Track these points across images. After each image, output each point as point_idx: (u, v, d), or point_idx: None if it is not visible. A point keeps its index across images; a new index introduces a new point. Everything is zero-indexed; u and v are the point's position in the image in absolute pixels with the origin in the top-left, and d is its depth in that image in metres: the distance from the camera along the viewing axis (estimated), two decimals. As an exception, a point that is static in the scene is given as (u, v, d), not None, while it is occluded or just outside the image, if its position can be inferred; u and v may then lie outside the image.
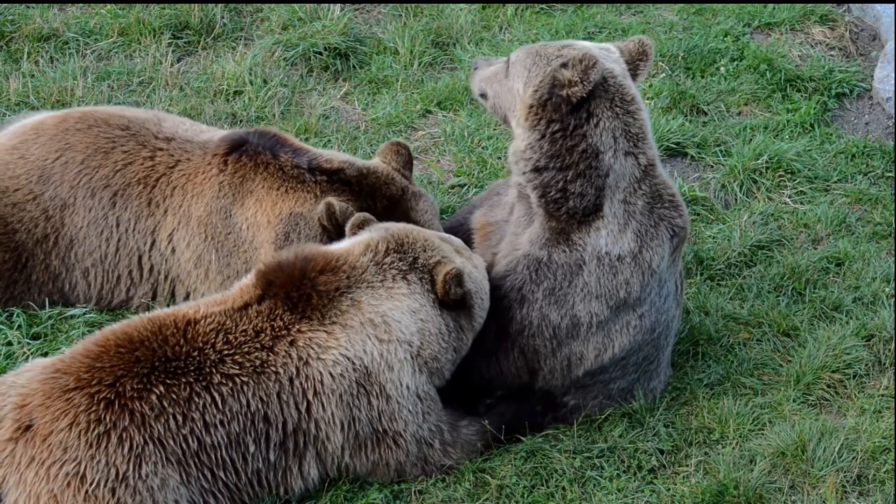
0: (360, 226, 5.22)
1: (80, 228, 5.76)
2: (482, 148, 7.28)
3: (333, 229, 5.47)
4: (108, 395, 4.45)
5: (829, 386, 5.67)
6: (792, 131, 7.59)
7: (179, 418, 4.52)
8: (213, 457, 4.58)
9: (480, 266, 5.22)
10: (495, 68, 5.37)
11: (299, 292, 4.83)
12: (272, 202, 5.63)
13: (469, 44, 8.24)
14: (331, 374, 4.74)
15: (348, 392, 4.78)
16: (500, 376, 5.36)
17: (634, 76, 5.20)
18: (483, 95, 5.45)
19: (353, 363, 4.77)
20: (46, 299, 5.82)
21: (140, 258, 5.79)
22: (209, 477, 4.58)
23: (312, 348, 4.74)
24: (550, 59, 5.05)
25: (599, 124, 5.02)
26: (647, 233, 5.18)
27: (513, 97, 5.18)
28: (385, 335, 4.84)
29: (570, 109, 5.00)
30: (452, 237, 5.34)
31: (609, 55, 5.14)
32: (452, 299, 4.97)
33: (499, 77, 5.30)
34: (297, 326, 4.78)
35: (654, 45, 5.29)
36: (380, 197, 5.72)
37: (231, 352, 4.66)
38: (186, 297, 5.79)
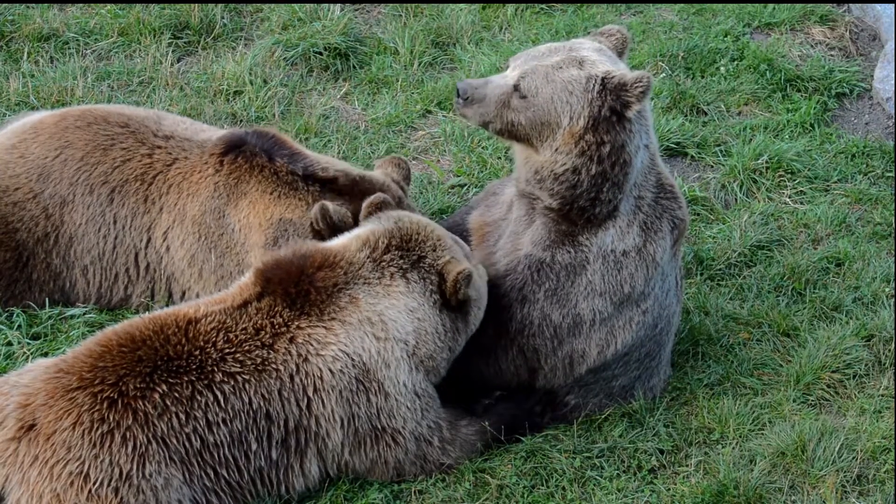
0: (379, 207, 5.19)
1: (79, 226, 5.77)
2: (482, 148, 7.28)
3: (327, 230, 5.47)
4: (112, 395, 4.46)
5: (829, 386, 5.68)
6: (792, 131, 7.59)
7: (182, 417, 4.52)
8: (215, 455, 4.59)
9: (483, 275, 5.22)
10: (499, 97, 5.11)
11: (297, 289, 4.83)
12: (264, 206, 5.64)
13: (469, 44, 8.24)
14: (330, 371, 4.75)
15: (348, 388, 4.78)
16: (498, 375, 5.37)
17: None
18: (486, 124, 5.21)
19: (352, 359, 4.78)
20: (47, 298, 5.82)
21: (136, 256, 5.79)
22: (212, 476, 4.59)
23: (312, 344, 4.75)
24: (586, 86, 4.94)
25: (633, 129, 5.02)
26: (652, 225, 5.19)
27: (550, 130, 5.03)
28: (382, 333, 4.85)
29: (620, 127, 4.97)
30: (462, 242, 5.32)
31: (610, 56, 5.12)
32: (459, 299, 4.97)
33: (513, 107, 5.08)
34: (297, 323, 4.78)
35: (629, 34, 5.31)
36: None
37: (232, 350, 4.67)
38: (182, 296, 5.80)
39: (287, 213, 5.61)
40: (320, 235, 5.50)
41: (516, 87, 5.07)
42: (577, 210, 5.12)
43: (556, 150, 5.06)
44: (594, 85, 4.94)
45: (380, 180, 5.81)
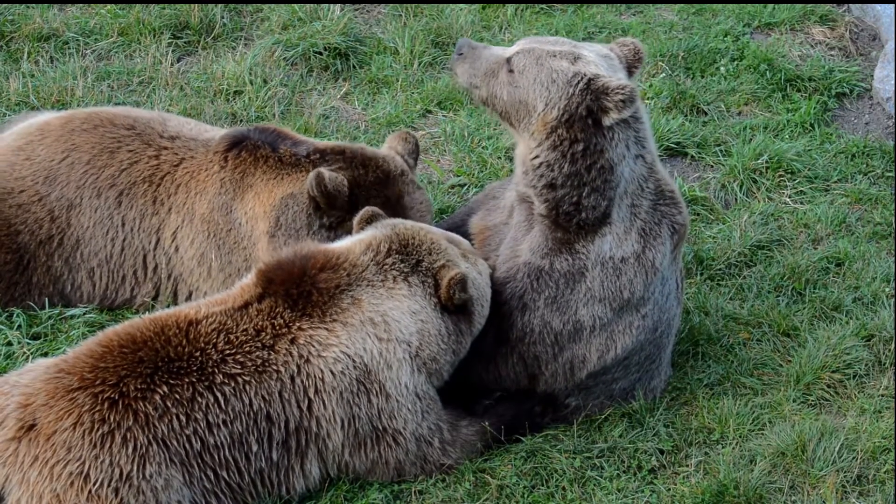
0: (369, 220, 5.21)
1: (87, 228, 5.77)
2: (482, 148, 7.28)
3: (322, 198, 5.45)
4: (112, 395, 4.46)
5: (829, 386, 5.68)
6: (792, 131, 7.59)
7: (183, 418, 4.52)
8: (216, 457, 4.59)
9: (484, 271, 5.22)
10: (490, 65, 5.21)
11: (299, 290, 4.83)
12: (268, 192, 5.64)
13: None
14: (332, 372, 4.75)
15: (349, 390, 4.78)
16: (498, 381, 5.36)
17: (629, 76, 5.22)
18: (472, 87, 5.28)
19: (354, 361, 4.78)
20: (46, 300, 5.82)
21: (145, 257, 5.79)
22: (212, 477, 4.59)
23: (313, 346, 4.75)
24: (571, 80, 4.96)
25: (615, 137, 5.01)
26: (651, 231, 5.19)
27: (526, 111, 5.10)
28: (384, 334, 4.85)
29: (596, 130, 4.99)
30: (460, 238, 5.33)
31: (612, 63, 5.13)
32: (455, 304, 4.97)
33: (500, 80, 5.17)
34: (298, 324, 4.78)
35: (645, 49, 5.32)
36: (373, 168, 5.69)
37: (233, 351, 4.67)
38: (189, 297, 5.79)
39: (288, 189, 5.60)
40: (317, 205, 5.48)
41: (508, 61, 5.14)
42: (564, 215, 5.11)
43: (532, 135, 5.09)
44: (579, 82, 4.95)
45: (384, 152, 5.79)
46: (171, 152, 5.83)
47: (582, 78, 4.96)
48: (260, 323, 4.76)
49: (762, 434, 5.34)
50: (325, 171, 5.43)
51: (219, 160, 5.76)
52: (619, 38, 7.47)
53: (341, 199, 5.47)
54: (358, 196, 5.53)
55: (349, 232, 5.29)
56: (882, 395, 5.62)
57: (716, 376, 5.76)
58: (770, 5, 8.72)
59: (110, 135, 5.85)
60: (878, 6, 8.56)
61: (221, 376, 4.61)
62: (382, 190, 5.63)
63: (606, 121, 4.94)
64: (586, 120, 4.96)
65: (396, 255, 4.99)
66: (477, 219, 5.77)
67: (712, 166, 7.34)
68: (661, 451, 5.27)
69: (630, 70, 5.24)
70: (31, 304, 5.79)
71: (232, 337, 4.70)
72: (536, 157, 5.09)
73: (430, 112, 7.64)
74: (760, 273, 6.47)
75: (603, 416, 5.40)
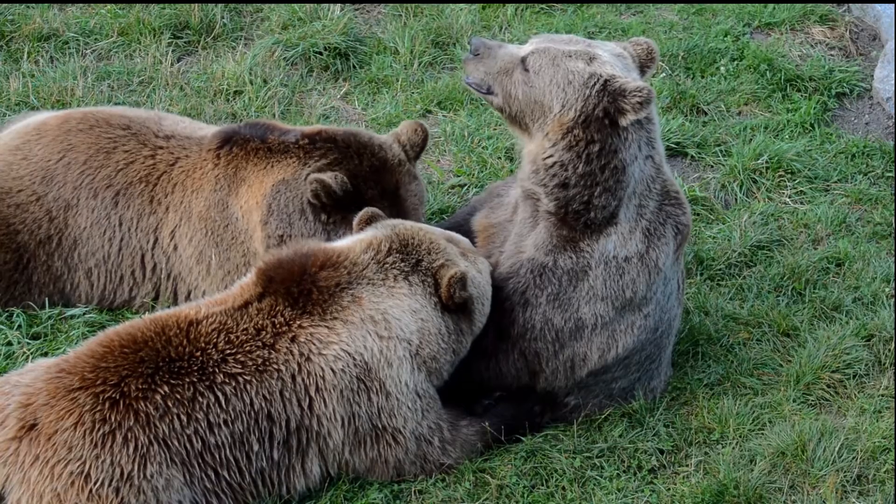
0: (368, 221, 5.21)
1: (84, 229, 5.77)
2: (482, 148, 7.28)
3: (331, 201, 5.43)
4: (113, 395, 4.46)
5: (829, 386, 5.68)
6: (792, 131, 7.60)
7: (184, 418, 4.53)
8: (216, 457, 4.59)
9: (484, 270, 5.22)
10: (504, 65, 5.18)
11: (299, 288, 4.83)
12: (259, 182, 5.64)
13: (469, 44, 8.23)
14: (332, 370, 4.75)
15: (349, 388, 4.79)
16: (499, 377, 5.36)
17: (641, 76, 5.22)
18: (489, 91, 5.27)
19: (354, 359, 4.78)
20: (46, 300, 5.82)
21: (143, 257, 5.79)
22: (213, 477, 4.59)
23: (314, 344, 4.75)
24: (587, 81, 4.95)
25: (629, 137, 5.02)
26: (655, 231, 5.19)
27: (541, 112, 5.08)
28: (385, 332, 4.85)
29: (612, 131, 4.98)
30: (460, 237, 5.33)
31: (626, 63, 5.13)
32: (455, 303, 4.97)
33: (514, 80, 5.14)
34: (298, 322, 4.79)
35: (658, 49, 5.31)
36: (368, 156, 5.65)
37: (233, 351, 4.67)
38: (188, 295, 5.80)
39: (278, 176, 5.59)
40: (323, 206, 5.47)
41: (523, 60, 5.12)
42: (573, 214, 5.12)
43: (546, 135, 5.08)
44: (595, 83, 4.94)
45: (383, 139, 5.76)
46: (167, 151, 5.83)
47: (598, 79, 4.95)
48: (260, 322, 4.76)
49: (762, 434, 5.34)
50: (326, 176, 5.41)
51: (212, 158, 5.77)
52: (619, 38, 7.48)
53: (347, 196, 5.45)
54: (357, 187, 5.52)
55: (348, 227, 5.30)
56: (882, 395, 5.62)
57: (716, 376, 5.76)
58: (770, 5, 8.72)
59: (106, 135, 5.86)
60: (878, 6, 8.56)
61: (222, 376, 4.62)
62: (379, 179, 5.61)
63: (623, 122, 4.94)
64: (603, 121, 4.95)
65: (397, 255, 4.99)
66: (481, 217, 5.77)
67: (712, 166, 7.34)
68: (661, 451, 5.27)
69: (643, 69, 5.23)
70: (32, 303, 5.80)
71: (232, 336, 4.70)
72: (550, 156, 5.08)
73: (430, 112, 7.64)
74: (760, 273, 6.47)
75: (603, 416, 5.40)
